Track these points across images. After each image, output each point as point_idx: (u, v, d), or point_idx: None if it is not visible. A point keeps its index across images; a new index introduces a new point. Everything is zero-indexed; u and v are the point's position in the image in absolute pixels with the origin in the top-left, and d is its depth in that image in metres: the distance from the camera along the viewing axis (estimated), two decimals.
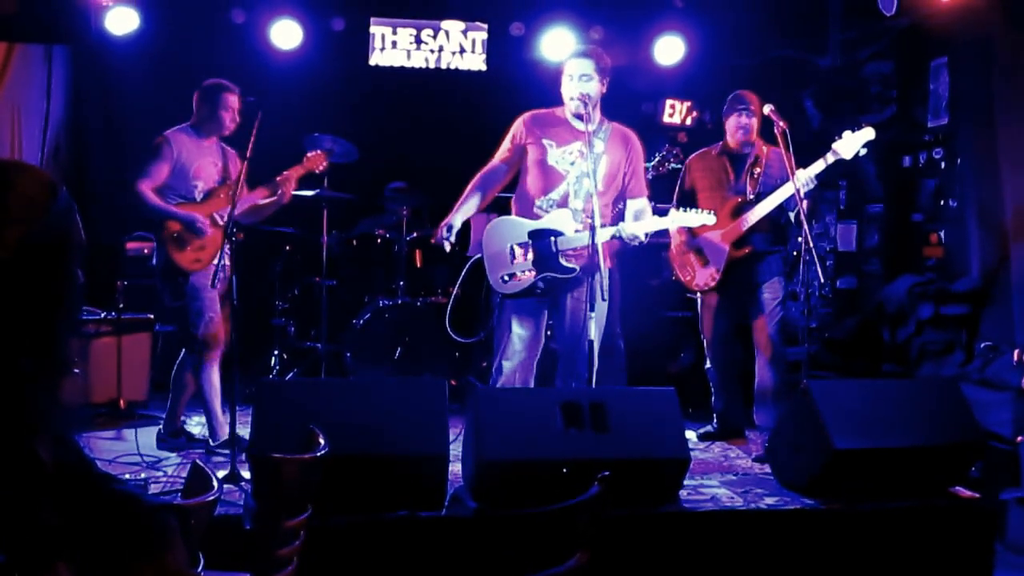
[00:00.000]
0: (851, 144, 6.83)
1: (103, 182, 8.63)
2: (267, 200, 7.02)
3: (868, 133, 6.90)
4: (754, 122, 7.16)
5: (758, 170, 7.08)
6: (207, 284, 6.70)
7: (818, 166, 6.80)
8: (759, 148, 7.18)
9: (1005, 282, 8.19)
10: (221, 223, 6.78)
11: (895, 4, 8.26)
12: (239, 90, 6.96)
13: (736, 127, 7.19)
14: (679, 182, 7.48)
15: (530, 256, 6.41)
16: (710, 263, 7.19)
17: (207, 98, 6.91)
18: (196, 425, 7.70)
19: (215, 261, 6.66)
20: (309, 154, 7.22)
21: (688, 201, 7.16)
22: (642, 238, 6.46)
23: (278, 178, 6.99)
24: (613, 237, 6.38)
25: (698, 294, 7.38)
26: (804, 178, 6.70)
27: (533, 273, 6.42)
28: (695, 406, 7.82)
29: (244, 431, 6.44)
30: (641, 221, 6.57)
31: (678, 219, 6.68)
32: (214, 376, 6.85)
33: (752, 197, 7.03)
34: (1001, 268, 8.28)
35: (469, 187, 6.65)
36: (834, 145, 6.85)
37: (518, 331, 6.47)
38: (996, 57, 8.28)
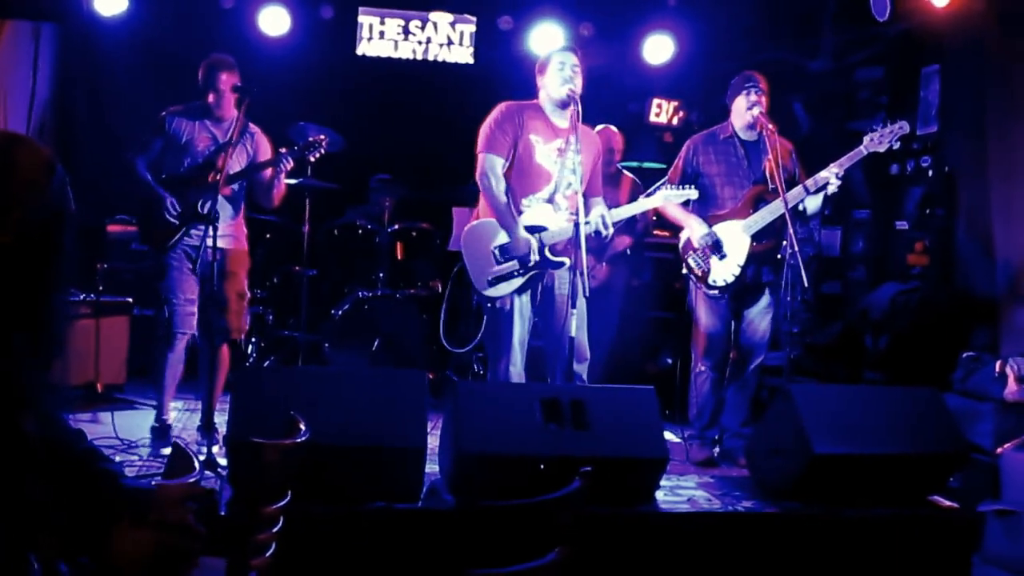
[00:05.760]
0: (884, 138, 6.66)
1: (87, 163, 8.56)
2: (271, 174, 6.83)
3: (903, 127, 6.70)
4: (764, 100, 6.88)
5: (775, 158, 6.61)
6: (173, 264, 6.65)
7: (851, 158, 6.66)
8: (773, 132, 6.75)
9: (990, 292, 8.19)
10: (192, 201, 6.66)
11: (888, 10, 8.25)
12: (235, 65, 6.82)
13: (746, 106, 6.90)
14: (678, 163, 7.10)
15: (516, 256, 6.37)
16: (728, 257, 6.85)
17: (203, 75, 6.81)
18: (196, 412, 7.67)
19: (187, 241, 6.65)
20: (311, 138, 7.02)
21: (689, 185, 6.83)
22: (610, 230, 6.44)
23: (282, 150, 6.82)
24: (595, 230, 6.35)
25: (702, 292, 6.99)
26: (835, 171, 6.63)
27: (521, 273, 6.39)
28: (674, 407, 7.79)
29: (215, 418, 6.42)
30: (624, 206, 6.61)
31: (666, 196, 6.62)
32: (172, 359, 6.73)
33: (773, 187, 6.67)
34: (986, 278, 8.28)
35: (507, 201, 6.44)
36: (865, 138, 6.69)
37: (517, 335, 6.44)
38: (988, 66, 8.27)
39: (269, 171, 6.77)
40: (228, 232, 6.67)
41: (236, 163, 6.75)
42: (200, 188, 6.63)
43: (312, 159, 7.04)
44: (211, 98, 6.75)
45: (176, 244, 6.65)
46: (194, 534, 2.33)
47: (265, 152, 6.93)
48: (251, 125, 6.91)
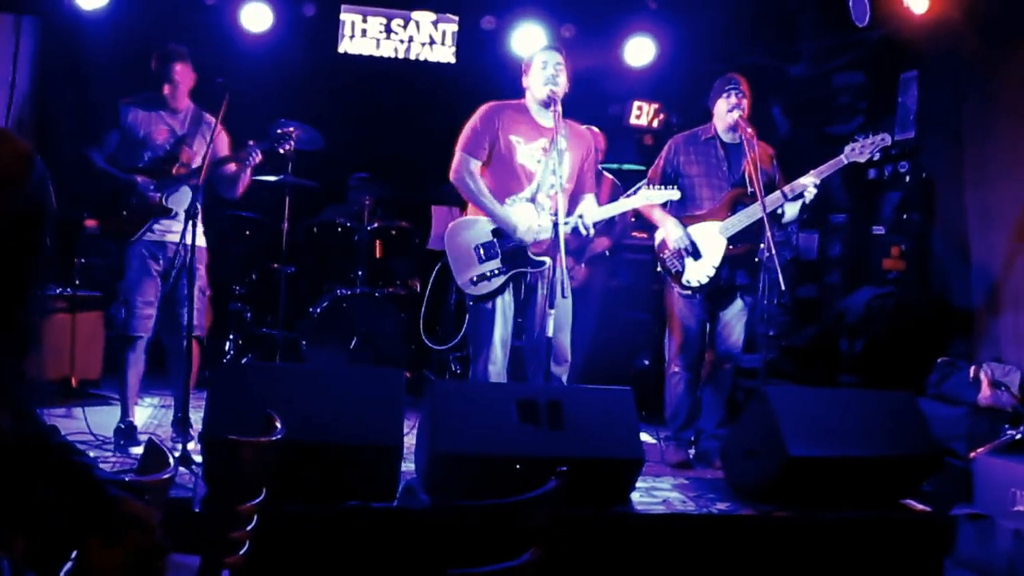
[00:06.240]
0: (865, 149, 6.68)
1: (66, 157, 8.53)
2: (236, 169, 6.78)
3: (885, 139, 6.75)
4: (745, 103, 6.87)
5: (755, 161, 6.64)
6: (134, 264, 6.58)
7: (831, 167, 6.71)
8: (752, 136, 6.76)
9: (965, 297, 8.23)
10: (158, 195, 6.61)
11: (868, 16, 8.28)
12: (188, 56, 6.78)
13: (727, 108, 6.89)
14: (659, 163, 7.11)
15: (498, 255, 6.38)
16: (703, 258, 6.86)
17: (156, 66, 6.77)
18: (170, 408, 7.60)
19: (149, 236, 6.59)
20: (280, 130, 6.99)
21: (670, 184, 6.85)
22: (592, 230, 6.47)
23: (249, 143, 6.72)
24: (575, 228, 6.36)
25: (677, 293, 6.98)
26: (813, 180, 6.66)
27: (503, 272, 6.40)
28: (650, 408, 7.79)
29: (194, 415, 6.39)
30: (605, 205, 6.64)
31: (647, 196, 6.65)
32: (132, 359, 6.65)
33: (751, 191, 6.70)
34: (961, 283, 8.32)
35: (487, 192, 6.45)
36: (847, 148, 6.71)
37: (499, 334, 6.43)
38: (966, 73, 8.32)
39: (234, 164, 6.74)
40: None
41: (197, 156, 6.71)
42: (162, 181, 6.63)
43: (282, 151, 6.98)
44: (167, 90, 6.73)
45: (139, 239, 6.60)
46: (163, 549, 2.31)
47: (223, 143, 6.88)
48: (206, 116, 6.87)
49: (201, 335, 6.80)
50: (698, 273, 6.86)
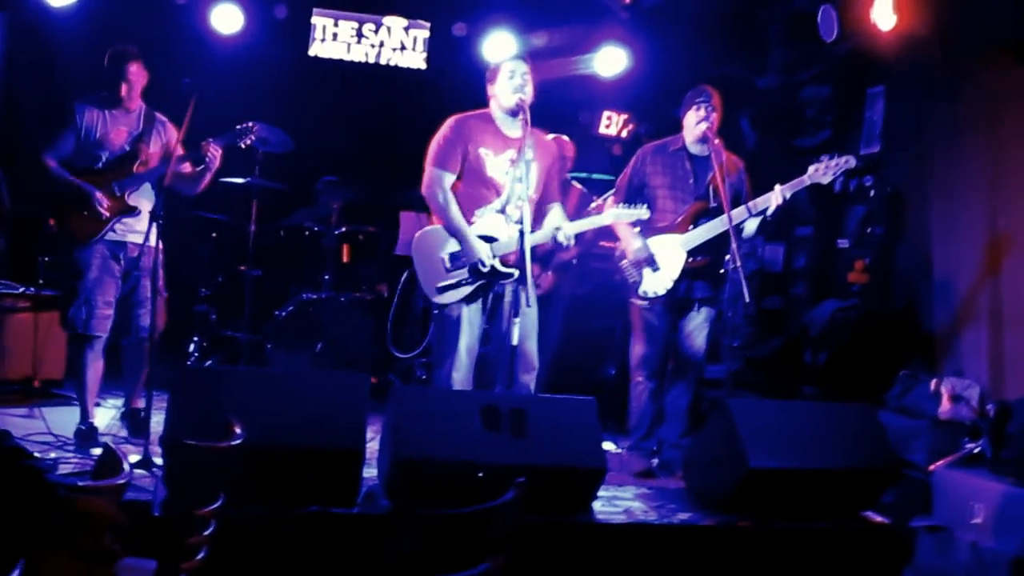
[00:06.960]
0: (829, 170, 6.68)
1: (33, 154, 8.52)
2: (193, 169, 6.77)
3: (849, 162, 6.74)
4: (714, 116, 6.86)
5: (721, 175, 6.64)
6: (95, 263, 6.56)
7: (794, 186, 6.66)
8: (720, 149, 6.79)
9: (927, 311, 8.28)
10: (119, 193, 6.60)
11: (836, 30, 8.32)
12: (140, 55, 6.77)
13: (696, 120, 6.88)
14: (627, 174, 7.11)
15: (465, 264, 6.37)
16: (662, 270, 6.85)
17: (109, 66, 6.75)
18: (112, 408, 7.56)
19: (111, 236, 6.57)
20: (239, 126, 6.96)
21: (636, 196, 6.89)
22: (572, 240, 6.45)
23: (203, 143, 6.69)
24: (554, 239, 6.36)
25: (638, 302, 6.98)
26: (777, 198, 6.67)
27: (470, 281, 6.38)
28: (615, 417, 7.81)
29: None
30: (578, 220, 6.64)
31: (617, 215, 6.65)
32: (91, 359, 6.63)
33: (715, 205, 6.76)
34: (924, 297, 8.37)
35: (457, 211, 6.39)
36: (811, 168, 6.69)
37: (464, 342, 6.40)
38: (931, 89, 8.38)
39: (189, 164, 6.72)
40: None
41: (155, 154, 6.76)
42: (121, 179, 6.61)
43: (243, 145, 6.96)
44: (123, 90, 6.72)
45: (100, 239, 6.58)
46: (114, 555, 2.30)
47: (171, 137, 6.84)
48: (158, 114, 6.88)
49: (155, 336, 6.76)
50: (655, 285, 6.86)
